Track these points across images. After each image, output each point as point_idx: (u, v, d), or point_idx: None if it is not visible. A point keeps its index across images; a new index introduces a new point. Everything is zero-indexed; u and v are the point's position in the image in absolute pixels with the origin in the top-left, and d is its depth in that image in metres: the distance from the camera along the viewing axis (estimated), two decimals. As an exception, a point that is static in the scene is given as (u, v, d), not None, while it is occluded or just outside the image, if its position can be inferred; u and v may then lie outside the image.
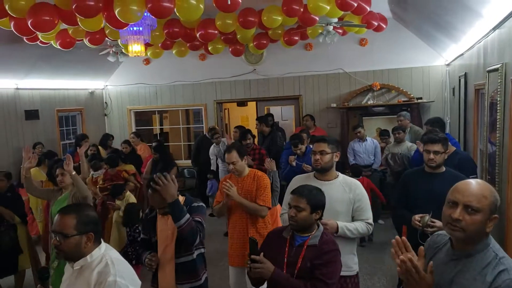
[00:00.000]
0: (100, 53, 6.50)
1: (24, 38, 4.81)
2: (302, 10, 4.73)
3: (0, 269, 4.43)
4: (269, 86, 8.30)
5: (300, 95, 8.17)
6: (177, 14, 4.09)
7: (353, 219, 2.82)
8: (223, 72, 8.37)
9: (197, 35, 5.33)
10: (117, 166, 5.89)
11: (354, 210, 2.81)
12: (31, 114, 7.23)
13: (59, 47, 5.32)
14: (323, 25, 5.31)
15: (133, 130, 8.96)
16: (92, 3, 3.76)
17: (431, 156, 3.03)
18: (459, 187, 1.62)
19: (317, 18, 4.99)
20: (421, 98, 7.26)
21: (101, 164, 6.09)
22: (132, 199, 5.33)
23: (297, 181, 2.94)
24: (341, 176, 2.93)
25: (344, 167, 6.58)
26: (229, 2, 4.00)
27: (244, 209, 3.39)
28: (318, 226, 2.38)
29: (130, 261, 4.02)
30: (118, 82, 9.08)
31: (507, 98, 3.32)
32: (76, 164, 4.92)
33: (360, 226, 2.78)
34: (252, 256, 2.25)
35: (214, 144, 6.86)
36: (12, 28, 4.31)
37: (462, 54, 5.67)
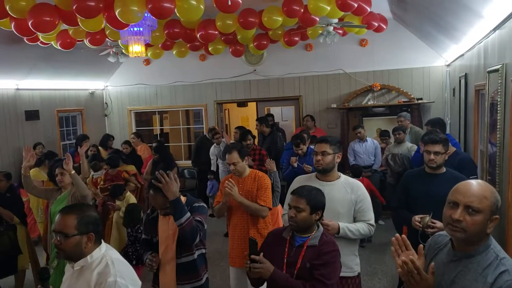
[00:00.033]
0: (101, 54, 6.50)
1: (25, 38, 4.82)
2: (302, 10, 4.73)
3: (-1, 270, 4.44)
4: (269, 86, 8.30)
5: (300, 95, 8.16)
6: (178, 14, 4.09)
7: (354, 220, 2.80)
8: (223, 72, 8.36)
9: (198, 35, 5.33)
10: (118, 166, 5.88)
11: (356, 211, 2.79)
12: (31, 115, 7.22)
13: (60, 48, 5.31)
14: (324, 25, 5.31)
15: (134, 130, 8.94)
16: (93, 3, 3.76)
17: (432, 156, 3.02)
18: (460, 188, 1.62)
19: (318, 19, 4.99)
20: (421, 99, 7.25)
21: (101, 164, 6.09)
22: (133, 199, 5.32)
23: (298, 181, 2.92)
24: (343, 177, 2.90)
25: (344, 167, 6.58)
26: (229, 3, 4.00)
27: (245, 209, 3.39)
28: (318, 226, 2.37)
29: (130, 262, 4.03)
30: (118, 83, 9.08)
31: (507, 98, 3.31)
32: (76, 164, 4.93)
33: (361, 227, 2.76)
34: (252, 256, 2.25)
35: (215, 144, 6.86)
36: (13, 29, 4.32)
37: (462, 55, 5.67)
